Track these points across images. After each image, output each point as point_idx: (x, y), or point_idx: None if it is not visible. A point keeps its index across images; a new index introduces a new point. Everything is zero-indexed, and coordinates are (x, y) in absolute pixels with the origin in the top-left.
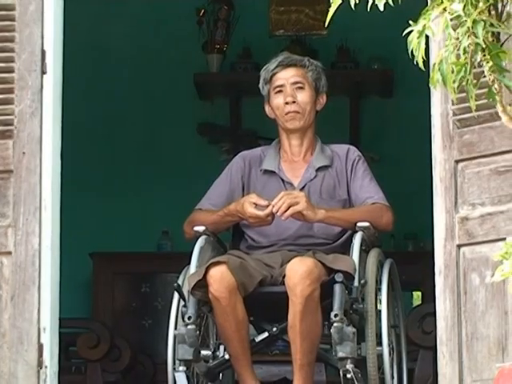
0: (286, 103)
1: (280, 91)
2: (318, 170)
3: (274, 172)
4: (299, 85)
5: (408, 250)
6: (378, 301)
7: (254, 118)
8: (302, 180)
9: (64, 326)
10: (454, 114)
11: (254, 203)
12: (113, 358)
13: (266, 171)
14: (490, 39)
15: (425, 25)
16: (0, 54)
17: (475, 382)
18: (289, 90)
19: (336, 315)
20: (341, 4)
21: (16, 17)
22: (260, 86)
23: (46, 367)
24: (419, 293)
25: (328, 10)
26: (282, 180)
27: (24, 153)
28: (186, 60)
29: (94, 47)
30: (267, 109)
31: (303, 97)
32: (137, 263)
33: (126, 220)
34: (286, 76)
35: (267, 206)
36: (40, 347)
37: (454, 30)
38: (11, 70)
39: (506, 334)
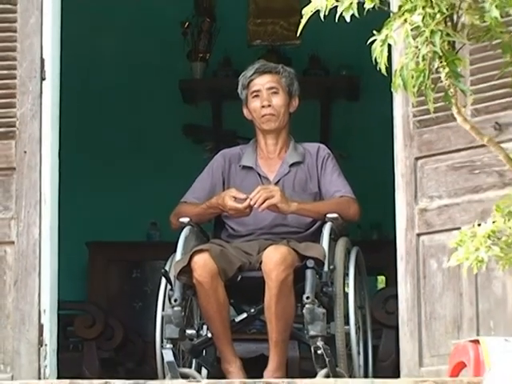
0: (262, 106)
1: (257, 96)
2: (291, 165)
3: (252, 168)
4: (274, 90)
5: (373, 239)
6: (346, 284)
7: (234, 119)
8: (277, 175)
9: (62, 308)
10: (414, 116)
11: (234, 197)
12: (107, 336)
13: (245, 167)
14: (447, 47)
15: (387, 34)
16: (3, 62)
17: (433, 357)
18: (265, 94)
19: (308, 297)
20: (312, 16)
21: (18, 28)
22: (239, 90)
23: (45, 345)
24: (383, 277)
25: (300, 22)
26: (259, 175)
27: (25, 152)
28: (172, 67)
29: (88, 56)
30: (245, 111)
31: (277, 101)
32: (128, 251)
33: (119, 212)
34: (262, 82)
35: (245, 199)
36: (40, 327)
37: (414, 39)
38: (13, 77)
39: (461, 314)
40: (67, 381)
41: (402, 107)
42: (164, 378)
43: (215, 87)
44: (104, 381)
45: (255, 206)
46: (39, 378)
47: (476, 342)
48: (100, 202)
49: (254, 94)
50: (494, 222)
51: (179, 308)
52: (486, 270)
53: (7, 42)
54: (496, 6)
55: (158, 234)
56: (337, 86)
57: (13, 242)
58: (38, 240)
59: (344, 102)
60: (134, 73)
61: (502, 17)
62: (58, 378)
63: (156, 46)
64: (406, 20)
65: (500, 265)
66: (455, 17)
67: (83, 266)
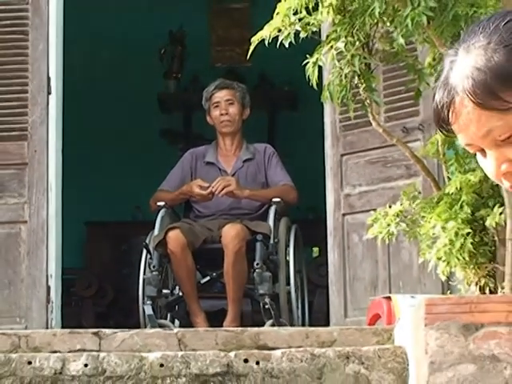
0: (221, 114)
1: (217, 106)
2: (244, 161)
3: (213, 163)
4: (230, 101)
5: (309, 218)
6: (287, 254)
7: (200, 125)
8: (233, 168)
9: (65, 273)
10: (340, 122)
11: (200, 185)
12: (100, 295)
13: (208, 162)
14: (364, 68)
15: (317, 58)
16: (17, 79)
17: (355, 310)
18: (223, 105)
19: (257, 264)
20: (259, 43)
21: (29, 54)
22: (203, 102)
23: (52, 302)
24: (317, 248)
25: (251, 48)
26: (219, 168)
27: (35, 151)
28: (151, 84)
29: (85, 75)
30: (208, 118)
31: (233, 110)
32: (117, 229)
33: (110, 198)
34: (221, 95)
35: (208, 187)
36: (48, 288)
37: (338, 62)
38: (26, 92)
39: (376, 277)
40: (68, 330)
41: (330, 115)
42: (145, 327)
43: (185, 100)
44: (97, 329)
45: (216, 192)
46: (47, 328)
47: (388, 298)
48: (95, 190)
49: (215, 104)
50: (401, 204)
51: (157, 273)
52: (395, 241)
53: (21, 64)
54: (402, 36)
55: (141, 215)
56: (280, 99)
57: (26, 221)
58: (45, 220)
59: (286, 111)
60: (123, 88)
61: (406, 44)
62: (62, 327)
63: (139, 68)
64: (332, 46)
65: (407, 237)
66: (370, 44)
67: (82, 240)
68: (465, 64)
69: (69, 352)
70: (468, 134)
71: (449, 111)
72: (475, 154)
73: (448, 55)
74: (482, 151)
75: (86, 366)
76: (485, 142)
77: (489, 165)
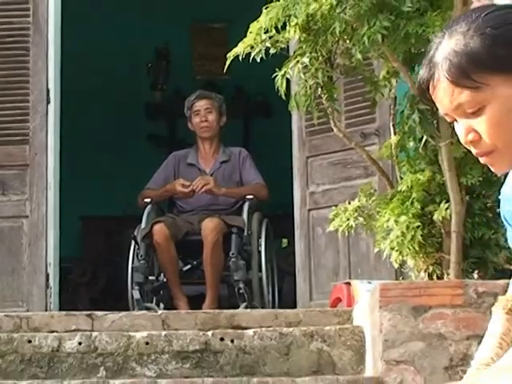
0: (201, 121)
1: (197, 114)
2: (221, 163)
3: (194, 164)
4: (209, 110)
5: (278, 213)
6: (259, 244)
7: (183, 130)
8: (212, 169)
9: (63, 262)
10: (306, 128)
11: (182, 184)
12: (94, 282)
13: (189, 164)
14: (326, 80)
15: (285, 71)
16: (20, 90)
17: (319, 294)
18: (202, 113)
19: (233, 254)
20: (234, 59)
21: (30, 68)
22: (185, 110)
23: (51, 288)
24: (286, 239)
25: (227, 63)
26: (199, 169)
27: (36, 153)
28: (139, 95)
29: (81, 87)
30: (189, 125)
31: (211, 117)
32: (111, 222)
33: (104, 195)
34: (201, 104)
35: (190, 185)
36: (47, 275)
37: (304, 74)
38: (27, 101)
39: (338, 265)
40: (64, 312)
41: (297, 122)
42: (133, 309)
43: (170, 108)
44: (90, 312)
45: (196, 190)
46: (46, 311)
47: (348, 283)
48: (90, 189)
49: (195, 112)
50: (359, 201)
51: (144, 261)
52: (354, 233)
53: (23, 76)
54: (359, 52)
55: (131, 210)
56: (254, 108)
57: (27, 216)
58: (44, 215)
59: (259, 118)
60: (114, 98)
61: (363, 59)
62: (60, 310)
63: (129, 80)
64: (298, 61)
65: (364, 230)
66: (332, 59)
67: (78, 233)
68: (446, 46)
69: (65, 332)
70: (443, 106)
71: (429, 85)
72: (427, 146)
73: (436, 37)
74: (456, 120)
75: (79, 344)
76: (456, 113)
77: (459, 132)
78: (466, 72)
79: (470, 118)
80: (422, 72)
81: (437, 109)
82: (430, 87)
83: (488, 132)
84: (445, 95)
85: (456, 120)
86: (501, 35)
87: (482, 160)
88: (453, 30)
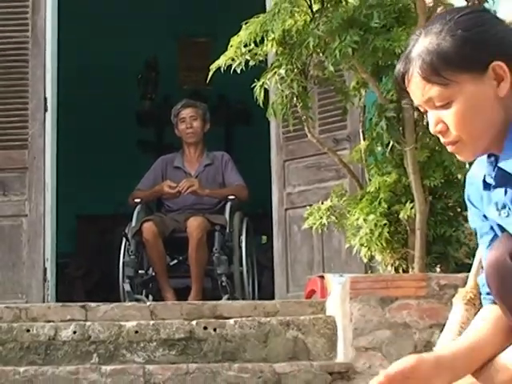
0: (186, 128)
1: (183, 121)
2: (205, 166)
3: (180, 167)
4: (194, 117)
5: (258, 212)
6: (240, 241)
7: (170, 136)
8: (196, 172)
9: (60, 257)
10: (283, 134)
11: (169, 186)
12: (89, 276)
13: (176, 167)
14: (301, 90)
15: (263, 82)
16: (19, 99)
17: (295, 287)
18: (188, 120)
19: (216, 249)
20: (217, 70)
21: (29, 78)
22: (172, 118)
23: (48, 281)
24: (265, 236)
25: (210, 74)
26: (185, 172)
27: (34, 157)
28: (131, 103)
29: (77, 96)
30: (176, 131)
31: (196, 124)
32: (104, 221)
33: (97, 196)
34: (186, 112)
35: (176, 187)
36: (45, 270)
37: (280, 85)
38: (26, 109)
39: (312, 259)
40: (60, 303)
41: (274, 128)
42: (124, 301)
43: (159, 116)
44: (84, 303)
45: (182, 191)
46: (43, 302)
47: (322, 277)
48: (84, 190)
49: (181, 120)
50: (331, 201)
51: (134, 257)
52: (327, 230)
53: (22, 86)
54: (331, 64)
55: (122, 209)
56: (235, 115)
57: (26, 215)
58: (42, 214)
59: (240, 125)
60: (107, 106)
61: (335, 71)
62: (56, 302)
63: (121, 90)
64: (275, 73)
65: (336, 227)
66: (306, 70)
67: (74, 230)
68: (421, 44)
69: (60, 322)
70: (416, 98)
71: (403, 78)
72: (393, 151)
73: (414, 34)
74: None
75: (74, 333)
76: (427, 105)
77: (430, 122)
78: (437, 69)
79: (439, 110)
80: (399, 66)
81: (403, 115)
82: (405, 80)
83: (454, 124)
84: (417, 89)
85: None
86: (470, 37)
87: (449, 149)
88: (428, 29)
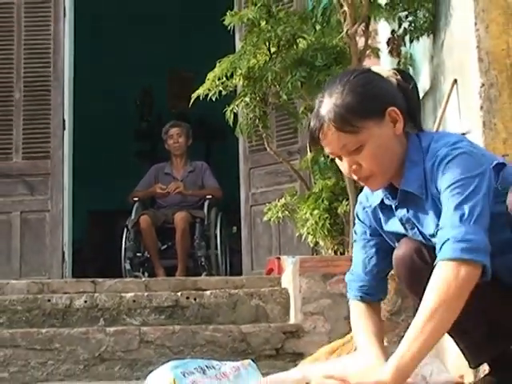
0: (174, 143)
1: (171, 137)
2: (189, 172)
3: (169, 173)
4: (179, 134)
5: (230, 208)
6: (216, 230)
7: (162, 149)
8: (182, 177)
9: (75, 243)
10: (248, 147)
11: (160, 187)
12: (97, 259)
13: (166, 173)
14: (262, 114)
15: (233, 107)
16: (44, 120)
17: (258, 266)
18: (175, 137)
19: (197, 237)
20: (198, 98)
21: (51, 103)
22: (162, 135)
23: (66, 262)
24: (235, 227)
25: (192, 99)
26: (173, 177)
27: (55, 166)
28: (131, 123)
29: (89, 118)
30: (166, 145)
31: (181, 140)
32: (111, 215)
33: (104, 195)
34: (173, 131)
35: (166, 188)
36: (63, 253)
37: (246, 109)
38: (49, 128)
39: (271, 245)
40: (75, 279)
41: (242, 143)
42: (125, 277)
43: (153, 133)
44: (93, 279)
45: (171, 192)
46: (62, 278)
47: (278, 258)
48: (95, 191)
49: (170, 136)
50: (285, 199)
51: (133, 242)
52: (283, 222)
53: (46, 110)
54: (285, 94)
55: (124, 206)
56: (213, 133)
57: (49, 210)
58: (61, 210)
59: (217, 141)
60: (112, 126)
61: (288, 99)
62: (72, 278)
63: (123, 113)
64: (242, 100)
65: (289, 220)
66: (266, 98)
67: (86, 222)
68: (328, 102)
69: (75, 293)
70: (331, 147)
71: (319, 133)
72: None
73: (318, 97)
74: (340, 157)
75: (85, 302)
76: (342, 151)
77: (344, 166)
78: (347, 120)
79: (353, 155)
80: (312, 124)
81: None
82: (320, 135)
83: (368, 161)
84: (333, 139)
85: (340, 157)
86: (366, 92)
87: (362, 182)
88: (331, 90)
